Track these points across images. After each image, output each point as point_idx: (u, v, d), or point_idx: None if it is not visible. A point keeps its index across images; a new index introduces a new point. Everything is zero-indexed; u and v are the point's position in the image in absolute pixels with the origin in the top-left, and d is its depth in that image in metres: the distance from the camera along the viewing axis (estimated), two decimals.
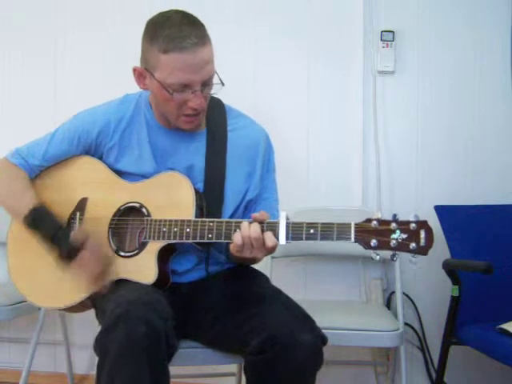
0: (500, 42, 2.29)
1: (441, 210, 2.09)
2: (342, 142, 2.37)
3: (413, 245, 1.28)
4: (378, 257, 1.32)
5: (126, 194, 1.54)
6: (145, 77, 1.49)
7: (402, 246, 1.29)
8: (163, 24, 1.42)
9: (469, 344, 1.87)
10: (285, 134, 2.31)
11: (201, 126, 1.60)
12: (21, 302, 2.08)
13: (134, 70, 1.51)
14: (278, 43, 2.39)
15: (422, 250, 1.29)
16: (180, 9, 1.49)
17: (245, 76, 2.37)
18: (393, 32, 2.30)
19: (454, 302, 1.87)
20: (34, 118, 2.48)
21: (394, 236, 1.29)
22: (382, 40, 2.30)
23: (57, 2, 2.49)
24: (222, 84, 1.49)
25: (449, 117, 2.33)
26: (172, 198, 1.50)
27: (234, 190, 1.58)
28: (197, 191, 1.51)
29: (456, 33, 2.31)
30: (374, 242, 1.30)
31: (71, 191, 1.59)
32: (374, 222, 1.30)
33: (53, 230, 1.49)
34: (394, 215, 1.31)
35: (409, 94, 2.34)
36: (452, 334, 1.90)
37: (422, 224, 1.29)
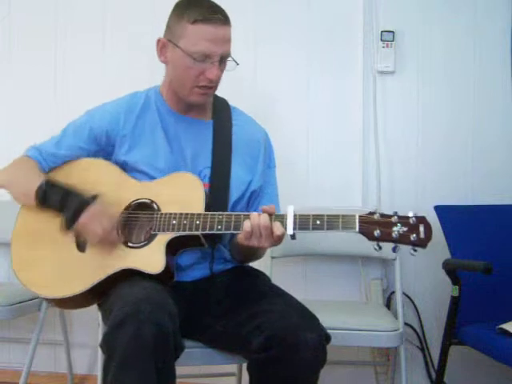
0: (500, 42, 2.28)
1: (441, 210, 2.09)
2: (342, 141, 2.37)
3: (413, 236, 1.33)
4: (379, 248, 1.36)
5: (136, 191, 1.56)
6: (167, 49, 1.57)
7: (403, 238, 1.34)
8: (193, 2, 1.54)
9: (469, 344, 1.87)
10: (285, 134, 2.31)
11: (208, 109, 1.67)
12: (21, 302, 2.08)
13: (158, 40, 1.59)
14: (278, 43, 2.39)
15: (422, 243, 1.33)
16: None
17: (245, 76, 2.37)
18: (393, 32, 2.30)
19: (454, 302, 1.87)
20: (34, 118, 2.47)
21: (395, 228, 1.34)
22: (381, 40, 2.30)
23: (57, 1, 2.49)
24: (236, 63, 1.57)
25: (449, 117, 2.33)
26: (183, 195, 1.52)
27: (238, 178, 1.63)
28: (206, 191, 1.53)
29: (456, 33, 2.31)
30: (377, 233, 1.34)
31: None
32: (377, 215, 1.36)
33: (64, 191, 1.51)
34: (395, 212, 1.37)
35: (409, 93, 2.34)
36: (452, 334, 1.90)
37: (421, 219, 1.35)
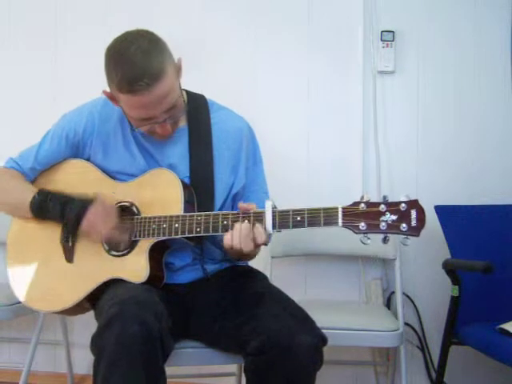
0: (500, 42, 2.29)
1: (441, 210, 2.09)
2: (342, 142, 2.36)
3: (403, 225, 1.24)
4: (368, 241, 1.26)
5: (116, 193, 1.55)
6: (114, 99, 1.48)
7: (392, 228, 1.24)
8: (118, 61, 1.39)
9: (469, 344, 1.87)
10: (285, 135, 2.31)
11: (181, 123, 1.59)
12: (21, 302, 2.07)
13: (104, 92, 1.50)
14: (278, 43, 2.39)
15: (414, 231, 1.24)
16: (144, 28, 1.46)
17: (244, 76, 2.37)
18: (393, 32, 2.30)
19: (454, 301, 1.87)
20: (32, 114, 2.46)
21: (383, 218, 1.25)
22: (381, 40, 2.30)
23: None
24: (186, 107, 1.52)
25: (449, 117, 2.32)
26: (161, 194, 1.50)
27: (222, 183, 1.58)
28: (186, 186, 1.51)
29: (456, 32, 2.31)
30: (362, 226, 1.26)
31: None
32: (362, 205, 1.27)
33: (62, 199, 1.50)
34: (384, 197, 1.27)
35: (409, 93, 2.34)
36: (452, 334, 1.90)
37: (413, 203, 1.25)
